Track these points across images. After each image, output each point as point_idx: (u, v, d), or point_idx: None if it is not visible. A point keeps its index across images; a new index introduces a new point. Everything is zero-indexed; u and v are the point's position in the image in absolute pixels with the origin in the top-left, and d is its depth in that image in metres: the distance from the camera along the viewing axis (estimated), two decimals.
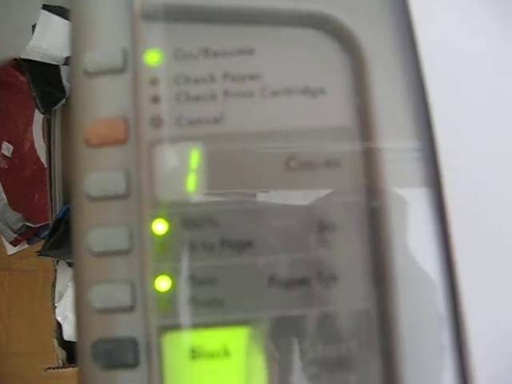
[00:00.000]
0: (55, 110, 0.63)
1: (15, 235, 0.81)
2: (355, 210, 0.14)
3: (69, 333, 0.61)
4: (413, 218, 0.14)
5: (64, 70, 0.58)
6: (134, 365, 0.13)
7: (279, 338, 0.13)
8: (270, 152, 0.14)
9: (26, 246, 0.84)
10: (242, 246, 0.14)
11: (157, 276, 0.14)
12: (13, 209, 0.80)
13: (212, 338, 0.13)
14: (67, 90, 0.62)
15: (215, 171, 0.14)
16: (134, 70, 0.15)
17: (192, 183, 0.14)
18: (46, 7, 0.50)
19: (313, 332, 0.13)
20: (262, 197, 0.14)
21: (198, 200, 0.14)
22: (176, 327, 0.14)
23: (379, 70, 0.14)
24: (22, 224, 0.82)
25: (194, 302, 0.14)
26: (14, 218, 0.81)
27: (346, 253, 0.14)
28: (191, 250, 0.14)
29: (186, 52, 0.15)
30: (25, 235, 0.82)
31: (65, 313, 0.61)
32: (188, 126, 0.14)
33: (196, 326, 0.14)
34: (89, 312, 0.14)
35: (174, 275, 0.14)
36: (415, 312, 0.13)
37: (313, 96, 0.14)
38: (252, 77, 0.14)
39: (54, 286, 0.64)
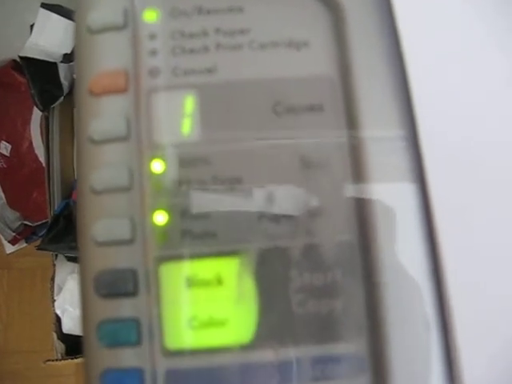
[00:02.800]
0: (53, 107, 0.65)
1: (13, 234, 0.82)
2: (337, 149, 0.15)
3: (68, 326, 0.62)
4: (392, 157, 0.15)
5: (62, 68, 0.60)
6: (133, 293, 0.15)
7: (268, 267, 0.15)
8: (258, 98, 0.15)
9: (25, 244, 0.85)
10: (233, 182, 0.15)
11: (154, 211, 0.15)
12: (11, 207, 0.81)
13: (206, 268, 0.15)
14: (65, 87, 0.63)
15: (208, 116, 0.15)
16: (133, 27, 0.16)
17: (187, 127, 0.15)
18: (44, 5, 0.51)
19: (299, 261, 0.15)
20: (250, 138, 0.15)
21: (192, 141, 0.15)
22: (172, 258, 0.15)
23: (357, 25, 0.16)
24: (20, 223, 0.83)
25: (189, 234, 0.15)
26: (13, 216, 0.82)
27: (330, 188, 0.15)
28: (186, 187, 0.15)
29: (181, 10, 0.16)
30: (23, 234, 0.83)
31: (64, 306, 0.62)
32: (183, 76, 0.16)
33: (191, 256, 0.15)
34: (92, 246, 0.15)
35: (170, 210, 0.15)
36: (395, 240, 0.15)
37: (297, 48, 0.16)
38: (241, 31, 0.16)
39: (53, 279, 0.65)
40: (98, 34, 0.16)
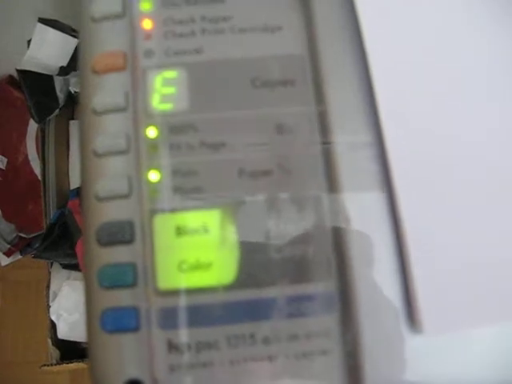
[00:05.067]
0: (49, 119, 0.67)
1: (8, 246, 0.84)
2: (307, 117, 0.17)
3: (63, 331, 0.63)
4: (353, 118, 0.17)
5: (58, 81, 0.62)
6: (130, 241, 0.17)
7: (247, 218, 0.17)
8: (238, 74, 0.18)
9: (20, 256, 0.86)
10: (217, 146, 0.17)
11: (149, 170, 0.17)
12: (6, 220, 0.83)
13: (193, 218, 0.17)
14: (60, 100, 0.66)
15: (195, 90, 0.18)
16: (131, 15, 0.18)
17: (177, 99, 0.18)
18: (41, 20, 0.54)
19: (275, 213, 0.17)
20: (232, 108, 0.18)
21: (181, 111, 0.18)
22: (164, 210, 0.17)
23: (324, 12, 0.18)
24: (15, 235, 0.84)
25: (179, 190, 0.17)
26: (8, 229, 0.83)
27: (301, 150, 0.17)
28: (176, 150, 0.17)
29: (172, 0, 0.19)
30: (18, 246, 0.84)
31: (59, 311, 0.63)
32: (174, 56, 0.18)
33: (180, 209, 0.17)
34: (94, 202, 0.17)
35: (162, 170, 0.17)
36: (360, 191, 0.17)
37: (272, 32, 0.18)
38: (224, 18, 0.18)
39: (48, 286, 0.66)
40: (100, 21, 0.18)
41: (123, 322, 0.16)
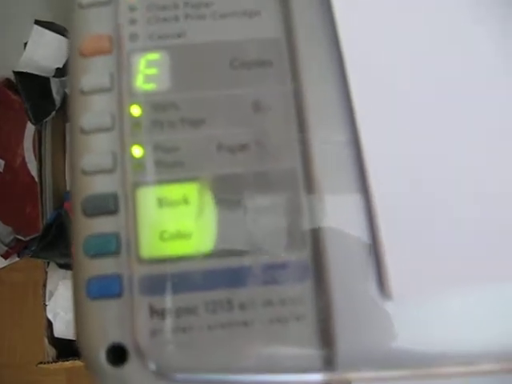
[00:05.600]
0: (46, 121, 0.68)
1: (6, 248, 0.84)
2: (283, 96, 0.18)
3: (59, 330, 0.64)
4: (326, 97, 0.18)
5: (54, 83, 0.64)
6: (114, 212, 0.18)
7: (226, 190, 0.18)
8: (218, 56, 0.19)
9: (17, 259, 0.86)
10: (197, 122, 0.18)
11: (132, 146, 0.18)
12: (4, 222, 0.84)
13: (175, 191, 0.18)
14: (57, 102, 0.67)
15: (177, 71, 0.19)
16: (116, 2, 0.19)
17: (160, 79, 0.19)
18: (37, 22, 0.55)
19: (251, 186, 0.18)
20: (212, 87, 0.18)
21: (163, 91, 0.19)
22: (147, 183, 0.18)
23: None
24: (12, 237, 0.85)
25: (161, 164, 0.18)
26: (5, 231, 0.84)
27: (277, 126, 0.18)
28: (158, 127, 0.18)
29: None
30: (15, 248, 0.85)
31: (55, 310, 0.64)
32: (157, 40, 0.19)
33: (162, 181, 0.18)
34: (80, 176, 0.18)
35: (145, 145, 0.18)
36: (333, 168, 0.18)
37: (250, 17, 0.19)
38: (205, 4, 0.19)
39: (44, 286, 0.67)
40: (88, 8, 0.19)
41: (107, 288, 0.17)
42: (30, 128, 0.76)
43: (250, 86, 0.18)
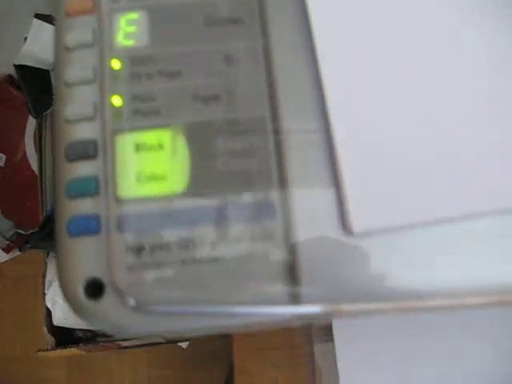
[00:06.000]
0: (46, 114, 0.70)
1: (7, 242, 0.86)
2: (252, 51, 0.20)
3: (58, 318, 0.65)
4: (295, 49, 0.19)
5: (54, 76, 0.65)
6: (94, 156, 0.19)
7: (199, 136, 0.19)
8: (193, 14, 0.20)
9: (18, 253, 0.88)
10: (173, 74, 0.19)
11: (112, 96, 0.19)
12: (5, 217, 0.85)
13: (151, 137, 0.19)
14: None
15: (155, 27, 0.20)
16: None
17: (139, 35, 0.20)
18: (37, 16, 0.57)
19: (223, 131, 0.19)
20: (187, 42, 0.20)
21: (142, 46, 0.20)
22: (125, 130, 0.19)
23: None
24: (13, 231, 0.86)
25: (138, 112, 0.19)
26: (6, 225, 0.86)
27: (247, 78, 0.19)
28: (137, 79, 0.19)
29: None
30: (17, 242, 0.86)
31: (54, 298, 0.65)
32: (137, 0, 0.20)
33: (139, 128, 0.19)
34: (64, 124, 0.19)
35: (124, 95, 0.19)
36: (299, 113, 0.19)
37: None
38: None
39: (44, 276, 0.68)
40: None
41: (86, 227, 0.18)
42: (32, 123, 0.78)
43: (223, 41, 0.20)
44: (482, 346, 0.33)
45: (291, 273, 0.18)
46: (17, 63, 0.59)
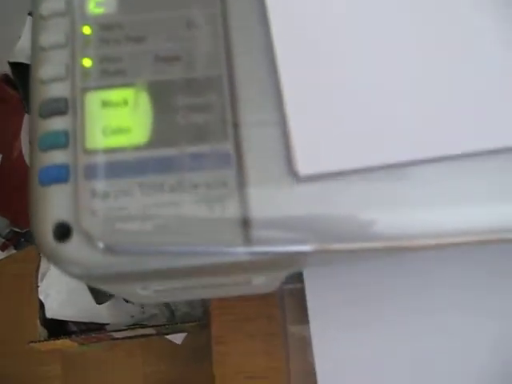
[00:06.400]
0: None
1: (3, 240, 0.87)
2: (212, 17, 0.21)
3: (51, 310, 0.67)
4: (251, 15, 0.21)
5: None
6: (64, 112, 0.21)
7: (161, 93, 0.21)
8: None
9: (14, 251, 0.89)
10: (139, 39, 0.21)
11: (82, 58, 0.21)
12: (0, 214, 0.87)
13: (117, 95, 0.21)
14: None
15: None
16: None
17: (108, 4, 0.22)
18: (31, 14, 0.59)
19: (182, 89, 0.21)
20: (152, 10, 0.22)
21: (111, 13, 0.22)
22: (93, 88, 0.21)
23: None
24: (9, 229, 0.88)
25: (106, 72, 0.21)
26: (2, 223, 0.88)
27: (207, 41, 0.21)
28: (105, 43, 0.21)
29: None
30: (13, 240, 0.88)
31: (47, 290, 0.67)
32: None
33: (106, 87, 0.21)
34: (38, 84, 0.21)
35: (93, 58, 0.21)
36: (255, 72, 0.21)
37: None
38: None
39: (37, 269, 0.70)
40: None
41: (56, 176, 0.20)
42: (28, 122, 0.80)
43: (185, 8, 0.22)
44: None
45: (244, 216, 0.20)
46: (11, 60, 0.61)
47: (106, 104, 0.21)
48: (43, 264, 0.71)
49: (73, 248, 0.20)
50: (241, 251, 0.20)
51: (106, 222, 0.20)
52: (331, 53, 0.21)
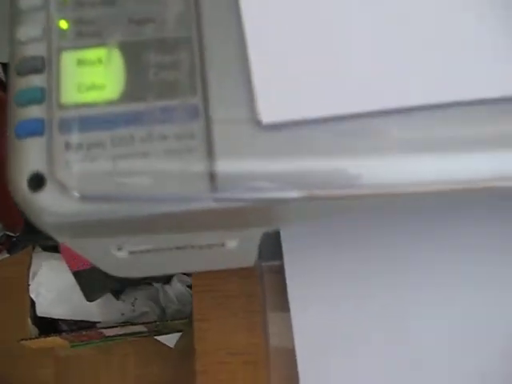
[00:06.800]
0: None
1: None
2: None
3: (41, 308, 0.67)
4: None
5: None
6: (41, 70, 0.22)
7: (133, 53, 0.22)
8: None
9: (7, 255, 0.90)
10: (113, 2, 0.22)
11: (59, 21, 0.22)
12: None
13: (91, 54, 0.22)
14: None
15: None
16: None
17: None
18: None
19: (154, 49, 0.22)
20: None
21: None
22: (69, 48, 0.22)
23: None
24: (2, 233, 0.88)
25: (81, 33, 0.22)
26: None
27: (178, 4, 0.22)
28: (81, 6, 0.22)
29: None
30: (6, 244, 0.88)
31: (38, 289, 0.67)
32: None
33: (81, 47, 0.22)
34: (17, 46, 0.22)
35: (69, 20, 0.22)
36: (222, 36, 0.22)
37: None
38: None
39: (29, 268, 0.70)
40: None
41: (32, 129, 0.21)
42: None
43: None
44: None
45: (210, 165, 0.21)
46: (3, 61, 0.62)
47: (80, 62, 0.22)
48: (34, 263, 0.71)
49: (47, 197, 0.21)
50: (207, 197, 0.21)
51: (78, 173, 0.20)
52: (297, 4, 0.22)
